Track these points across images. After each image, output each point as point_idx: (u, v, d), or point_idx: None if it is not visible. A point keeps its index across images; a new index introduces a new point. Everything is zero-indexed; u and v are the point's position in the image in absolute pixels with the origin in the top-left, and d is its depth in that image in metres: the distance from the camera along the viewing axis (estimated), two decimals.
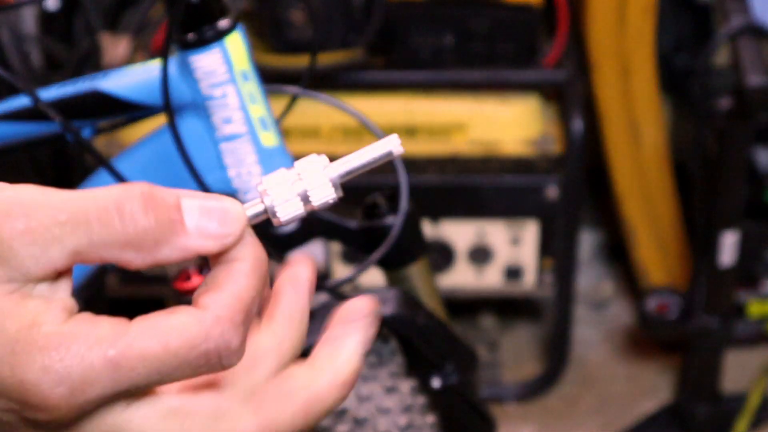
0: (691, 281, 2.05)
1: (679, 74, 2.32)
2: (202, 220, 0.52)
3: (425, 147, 2.03)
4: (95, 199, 0.51)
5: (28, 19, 1.85)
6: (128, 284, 2.08)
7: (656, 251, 2.22)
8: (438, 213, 2.03)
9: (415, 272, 1.10)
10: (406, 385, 1.08)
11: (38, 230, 0.50)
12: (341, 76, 1.94)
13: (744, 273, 2.14)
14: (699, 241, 1.96)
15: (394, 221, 1.05)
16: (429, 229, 2.04)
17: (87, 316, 0.51)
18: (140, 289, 2.08)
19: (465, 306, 2.33)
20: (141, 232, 0.51)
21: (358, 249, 1.08)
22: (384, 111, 2.02)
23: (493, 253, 2.06)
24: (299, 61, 1.90)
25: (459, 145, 2.04)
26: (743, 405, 2.12)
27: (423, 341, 1.07)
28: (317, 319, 1.07)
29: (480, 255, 2.06)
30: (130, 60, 1.94)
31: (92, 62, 1.96)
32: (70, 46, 2.01)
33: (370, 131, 1.05)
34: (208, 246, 0.52)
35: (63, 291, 0.52)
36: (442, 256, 2.06)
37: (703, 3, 2.32)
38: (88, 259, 0.51)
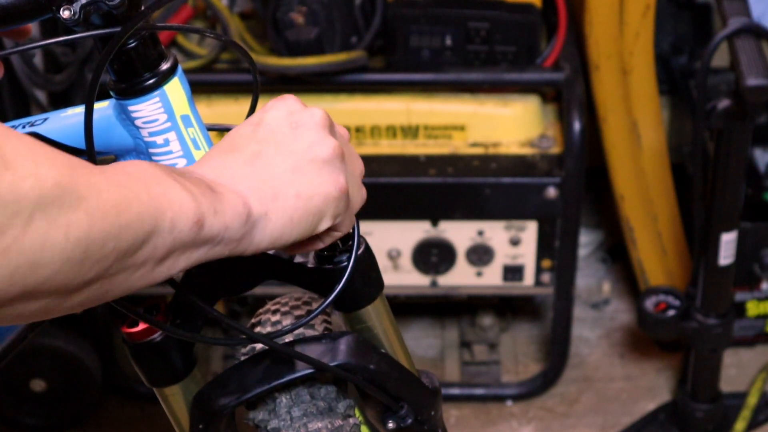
0: (690, 281, 2.05)
1: (679, 74, 2.32)
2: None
3: (425, 147, 2.04)
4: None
5: None
6: None
7: (655, 251, 2.22)
8: (438, 213, 2.03)
9: (372, 312, 1.06)
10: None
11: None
12: (342, 78, 1.94)
13: (743, 273, 2.15)
14: (698, 240, 1.96)
15: (347, 263, 0.99)
16: (429, 230, 2.04)
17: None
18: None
19: (465, 306, 2.33)
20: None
21: (312, 290, 1.02)
22: (384, 112, 2.03)
23: (493, 253, 2.07)
24: (300, 62, 1.91)
25: (459, 145, 2.04)
26: (742, 404, 2.13)
27: (375, 387, 1.05)
28: (258, 367, 1.03)
29: (480, 255, 2.07)
30: None
31: (94, 64, 1.96)
32: (72, 49, 2.01)
33: None
34: None
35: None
36: (442, 256, 2.06)
37: (703, 3, 2.32)
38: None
